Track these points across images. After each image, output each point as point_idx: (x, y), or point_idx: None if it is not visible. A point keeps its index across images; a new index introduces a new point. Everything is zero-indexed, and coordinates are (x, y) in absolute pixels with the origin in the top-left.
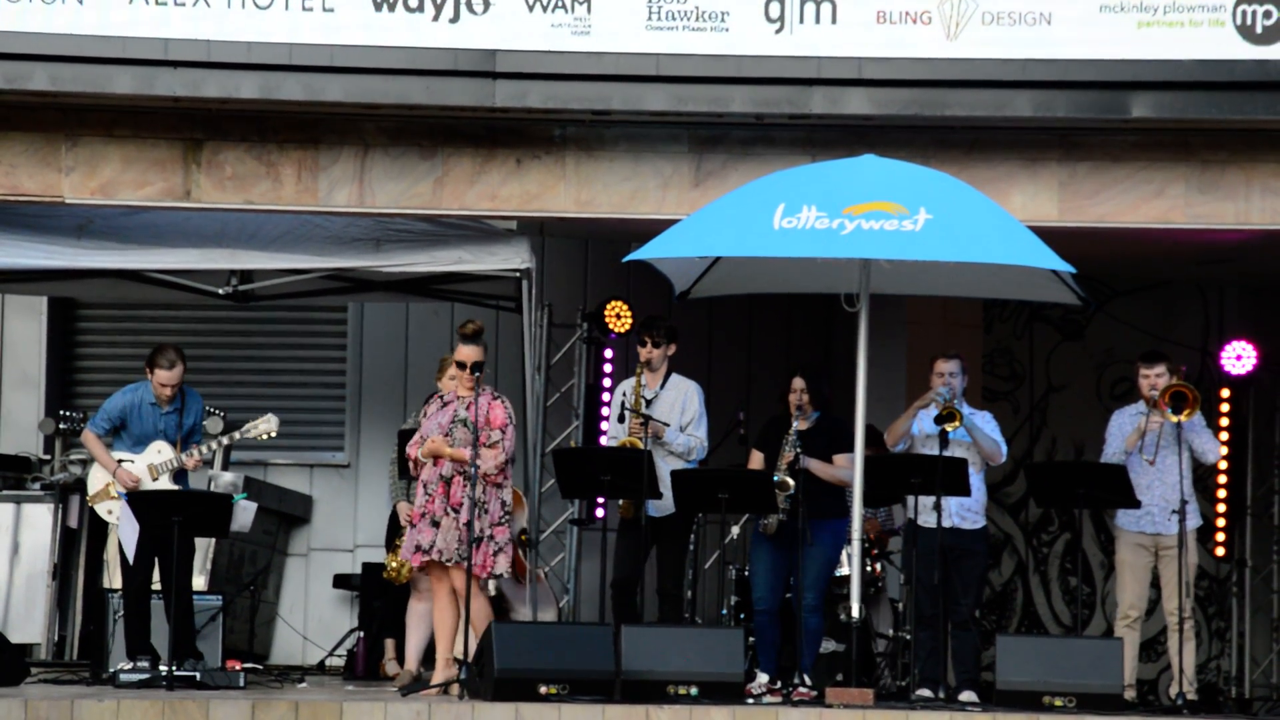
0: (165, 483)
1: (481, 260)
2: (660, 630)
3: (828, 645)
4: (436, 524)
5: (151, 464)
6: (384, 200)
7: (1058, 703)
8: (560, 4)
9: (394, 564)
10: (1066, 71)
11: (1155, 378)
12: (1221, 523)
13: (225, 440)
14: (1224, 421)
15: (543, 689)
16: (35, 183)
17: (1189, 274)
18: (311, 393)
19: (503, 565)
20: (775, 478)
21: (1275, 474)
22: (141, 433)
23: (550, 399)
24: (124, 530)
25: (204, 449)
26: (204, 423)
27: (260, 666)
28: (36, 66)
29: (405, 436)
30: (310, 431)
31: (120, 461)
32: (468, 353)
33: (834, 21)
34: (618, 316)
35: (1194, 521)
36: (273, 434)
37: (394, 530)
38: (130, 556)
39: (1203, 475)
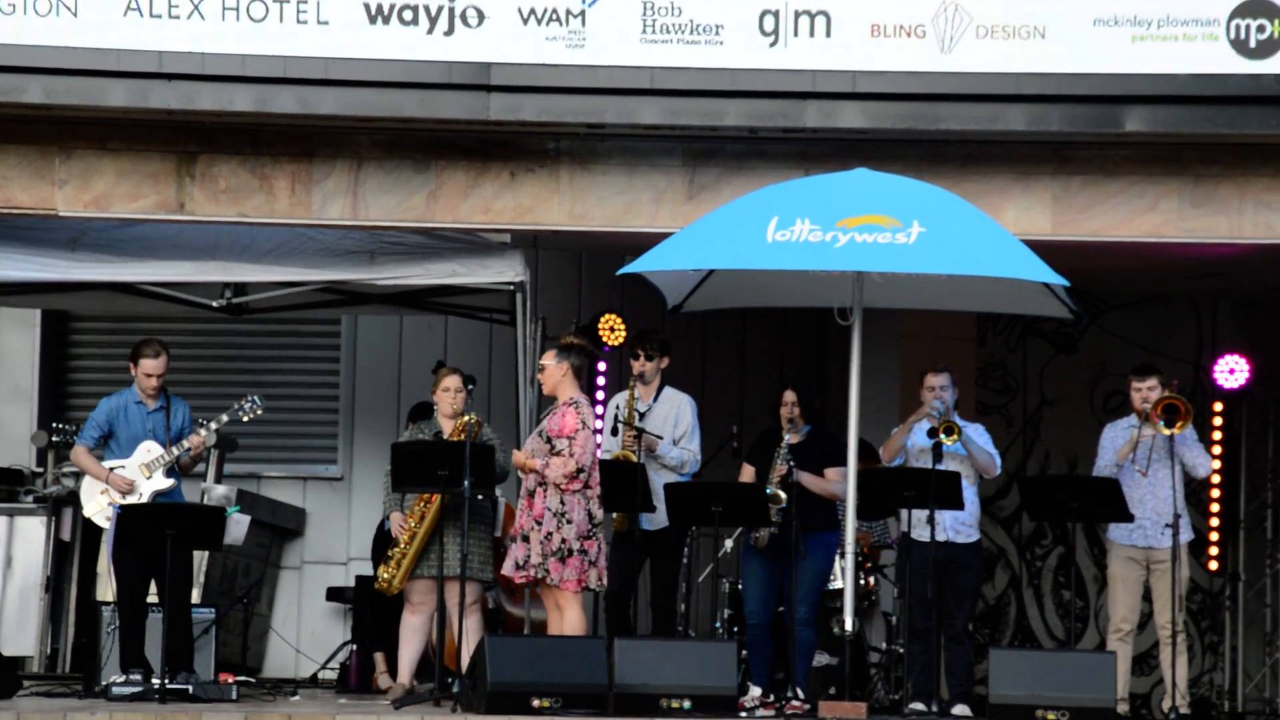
0: (159, 479)
1: (475, 273)
2: (653, 643)
3: (821, 658)
4: (526, 539)
5: (143, 463)
6: (378, 213)
7: (1050, 716)
8: (555, 17)
9: (385, 575)
10: (1060, 85)
11: (1147, 390)
12: (1215, 536)
13: (215, 425)
14: (1217, 435)
15: (536, 702)
16: (29, 195)
17: (1182, 288)
18: (305, 405)
19: (594, 580)
20: (767, 491)
21: (1269, 488)
22: (130, 435)
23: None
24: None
25: (207, 427)
26: (197, 429)
27: (253, 680)
28: (31, 79)
29: (399, 450)
30: (303, 444)
31: (111, 469)
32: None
33: (828, 35)
34: (611, 330)
35: (1186, 535)
36: (259, 411)
37: (382, 542)
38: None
39: (1196, 489)
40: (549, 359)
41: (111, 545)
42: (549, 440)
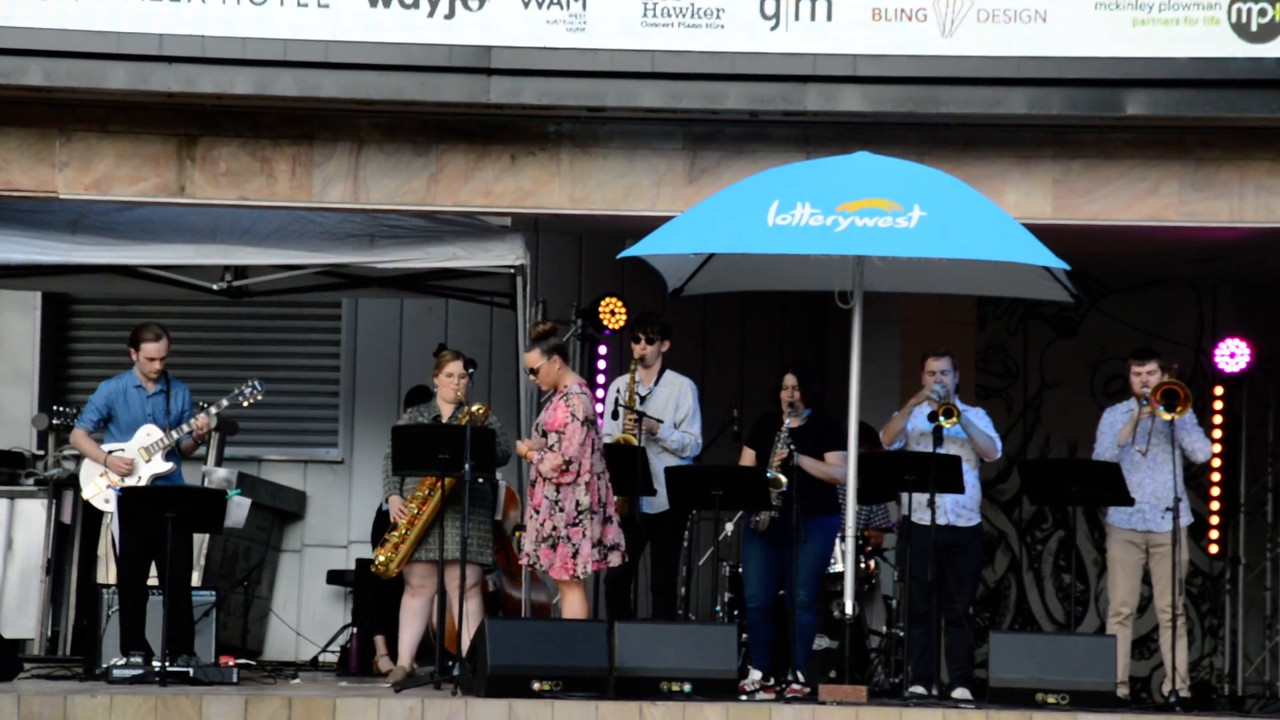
0: (158, 462)
1: (476, 256)
2: (654, 627)
3: (821, 642)
4: (524, 527)
5: (142, 446)
6: (378, 196)
7: (1051, 700)
8: (555, 0)
9: (381, 558)
10: (1061, 69)
11: (1147, 375)
12: (1215, 520)
13: (215, 410)
14: (1217, 419)
15: (536, 685)
16: (29, 178)
17: (1183, 271)
18: (305, 389)
19: (580, 568)
20: (768, 474)
21: (1269, 471)
22: (129, 418)
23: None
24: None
25: (209, 410)
26: (198, 413)
27: (253, 662)
28: (31, 61)
29: (399, 433)
30: (304, 427)
31: (110, 452)
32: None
33: (829, 18)
34: (612, 313)
35: (1185, 519)
36: (259, 397)
37: (381, 525)
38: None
39: (1196, 473)
40: (536, 360)
41: (119, 528)
42: (544, 434)
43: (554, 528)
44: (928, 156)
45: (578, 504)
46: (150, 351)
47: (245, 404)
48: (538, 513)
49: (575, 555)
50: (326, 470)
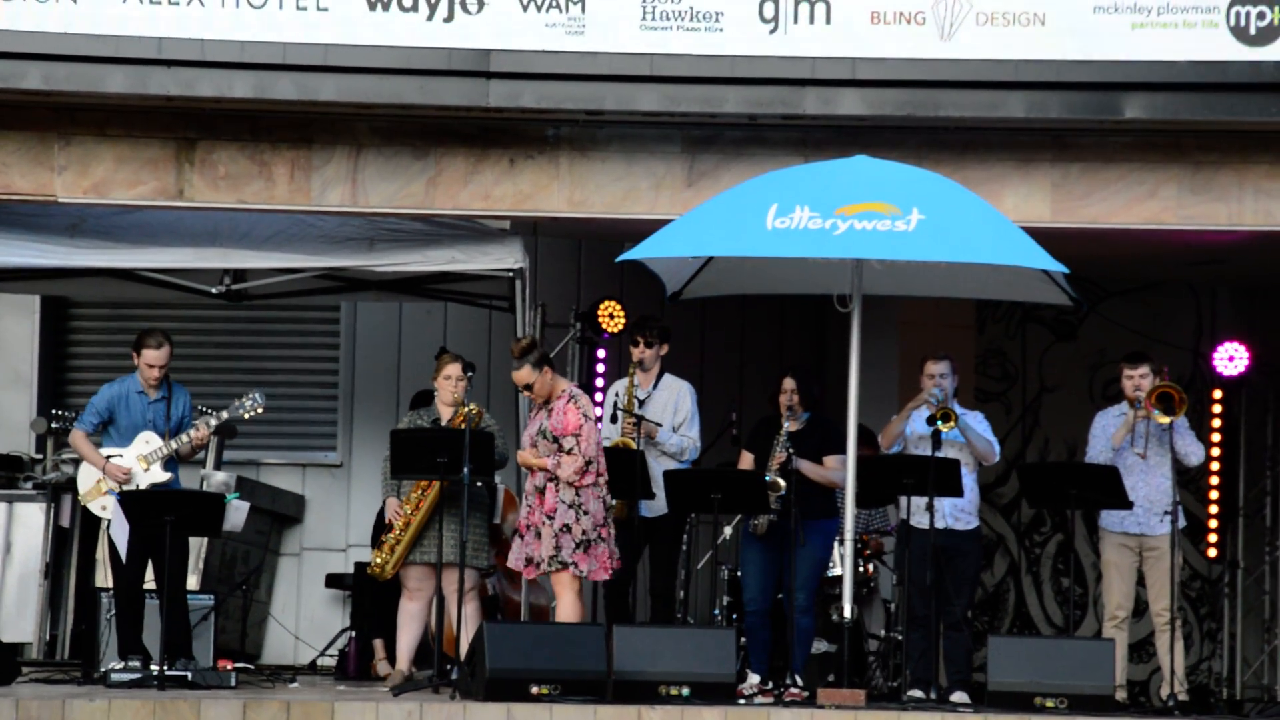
0: (157, 471)
1: (475, 260)
2: (652, 630)
3: (819, 646)
4: (539, 535)
5: (140, 454)
6: (377, 200)
7: (1049, 703)
8: (554, 4)
9: (378, 560)
10: (1060, 72)
11: (1139, 378)
12: (1214, 524)
13: (216, 421)
14: (1216, 423)
15: (534, 689)
16: (28, 182)
17: (1181, 275)
18: (304, 392)
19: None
20: (766, 478)
21: (1267, 475)
22: (130, 423)
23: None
24: (116, 528)
25: (209, 420)
26: (197, 423)
27: (252, 666)
28: (30, 65)
29: (398, 436)
30: (303, 431)
31: (109, 457)
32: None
33: (828, 22)
34: (611, 316)
35: (1179, 522)
36: (260, 410)
37: (380, 528)
38: (123, 554)
39: (1194, 476)
40: (529, 376)
41: (127, 533)
42: (555, 440)
43: (584, 531)
44: (926, 160)
45: (605, 501)
46: (150, 358)
47: (246, 416)
48: (551, 519)
49: (609, 554)
50: (325, 474)
